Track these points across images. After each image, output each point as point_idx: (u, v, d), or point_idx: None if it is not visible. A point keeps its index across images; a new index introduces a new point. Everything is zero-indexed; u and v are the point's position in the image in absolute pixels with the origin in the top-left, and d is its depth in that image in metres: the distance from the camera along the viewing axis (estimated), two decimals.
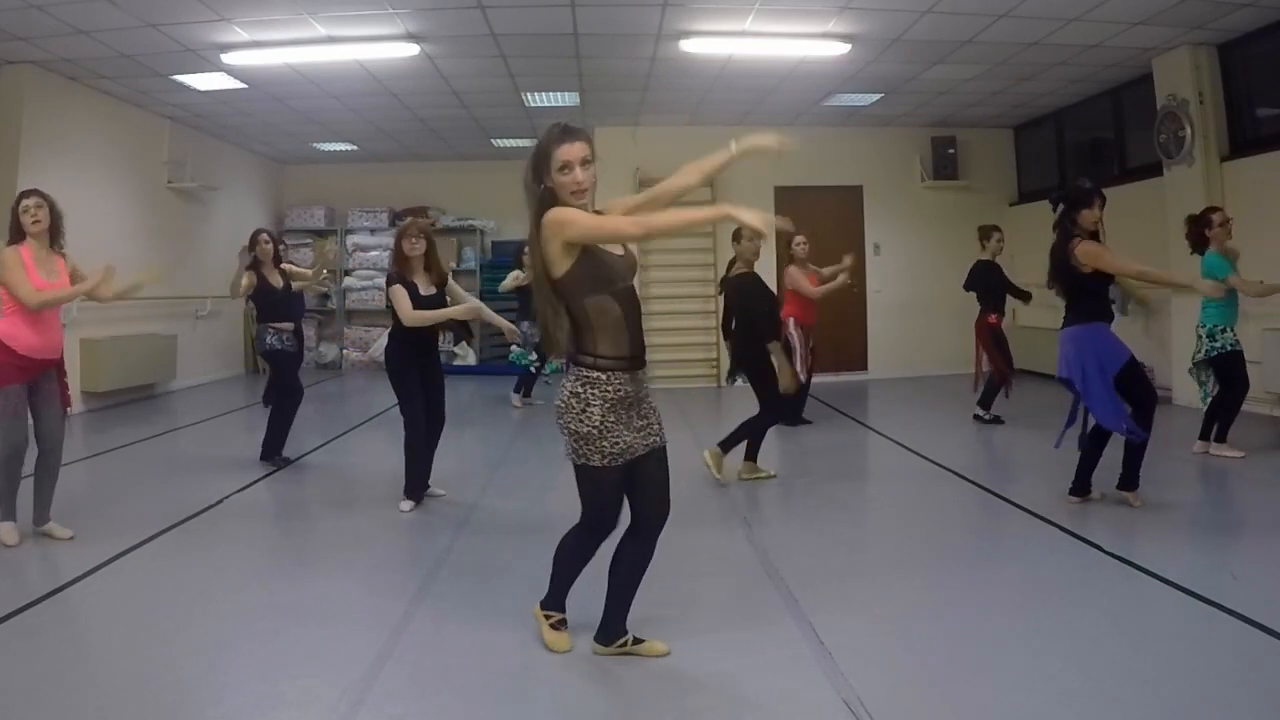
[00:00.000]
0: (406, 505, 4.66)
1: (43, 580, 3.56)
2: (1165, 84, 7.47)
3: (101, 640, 3.04)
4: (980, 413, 7.11)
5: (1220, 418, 5.58)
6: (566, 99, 8.84)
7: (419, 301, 4.57)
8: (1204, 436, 5.63)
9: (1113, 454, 4.49)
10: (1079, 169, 9.04)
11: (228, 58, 7.06)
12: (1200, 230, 5.51)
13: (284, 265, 5.93)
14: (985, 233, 7.20)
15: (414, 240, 4.63)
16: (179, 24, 6.35)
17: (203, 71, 7.51)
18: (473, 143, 10.83)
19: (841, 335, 10.24)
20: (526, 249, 5.53)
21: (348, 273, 12.10)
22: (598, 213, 2.63)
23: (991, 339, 7.05)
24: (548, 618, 2.90)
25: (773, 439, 6.23)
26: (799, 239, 7.10)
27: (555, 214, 2.49)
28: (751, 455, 5.29)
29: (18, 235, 3.98)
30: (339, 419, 7.95)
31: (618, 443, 2.58)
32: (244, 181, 11.35)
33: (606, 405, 2.55)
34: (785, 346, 5.80)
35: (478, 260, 11.97)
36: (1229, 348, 5.40)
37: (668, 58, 7.47)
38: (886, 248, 10.53)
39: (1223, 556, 3.76)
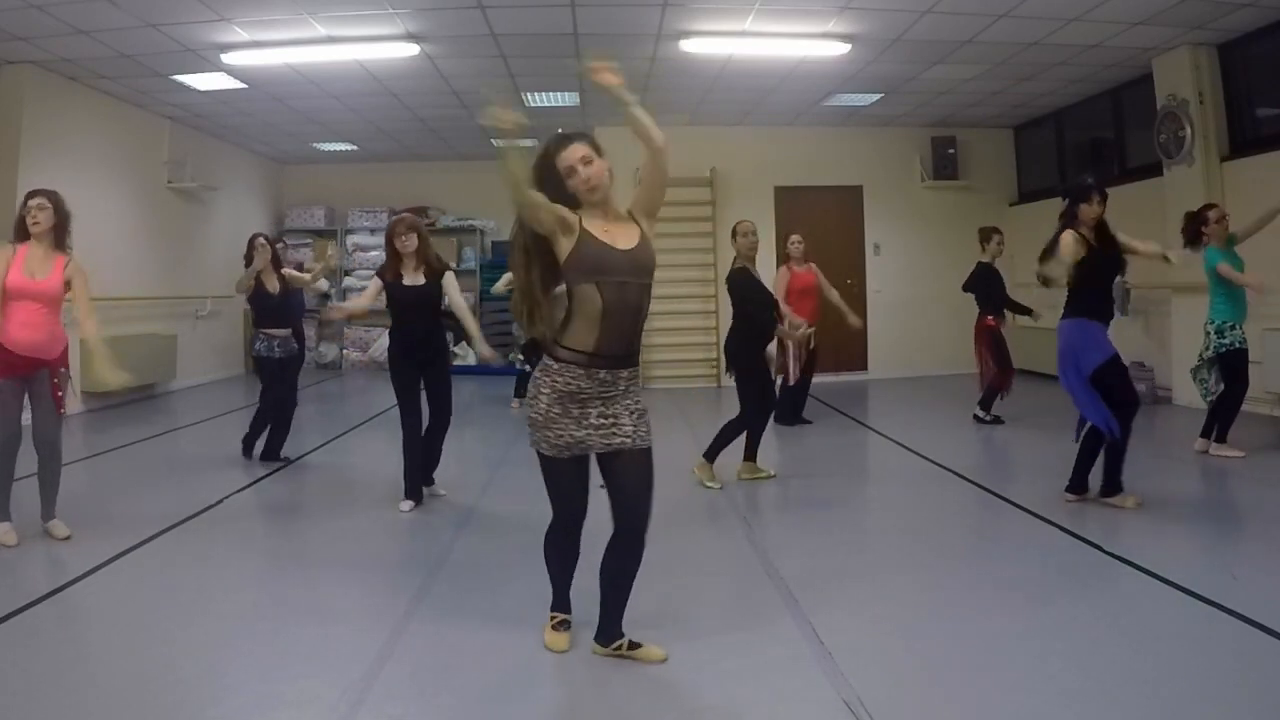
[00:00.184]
0: (406, 505, 4.66)
1: (43, 580, 3.56)
2: (1165, 84, 7.47)
3: (101, 640, 3.04)
4: (980, 413, 7.11)
5: (1220, 417, 5.58)
6: (566, 99, 8.85)
7: (402, 292, 4.58)
8: (1206, 435, 5.62)
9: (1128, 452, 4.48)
10: (1079, 169, 9.04)
11: (228, 58, 7.06)
12: (1197, 227, 5.54)
13: (284, 270, 5.93)
14: (985, 235, 7.19)
15: (404, 237, 4.59)
16: (179, 24, 6.36)
17: (203, 71, 7.51)
18: (473, 143, 10.83)
19: (841, 335, 10.16)
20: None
21: (348, 273, 12.10)
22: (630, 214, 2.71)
23: (989, 340, 7.06)
24: (552, 618, 2.92)
25: (772, 439, 6.24)
26: (794, 238, 7.09)
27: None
28: (750, 455, 5.29)
29: (22, 234, 3.99)
30: (339, 419, 7.95)
31: (563, 435, 2.60)
32: (244, 181, 11.35)
33: (553, 396, 2.59)
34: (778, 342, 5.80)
35: (478, 260, 11.97)
36: (1237, 345, 5.41)
37: (668, 58, 7.47)
38: (886, 248, 10.53)
39: (1223, 556, 3.76)
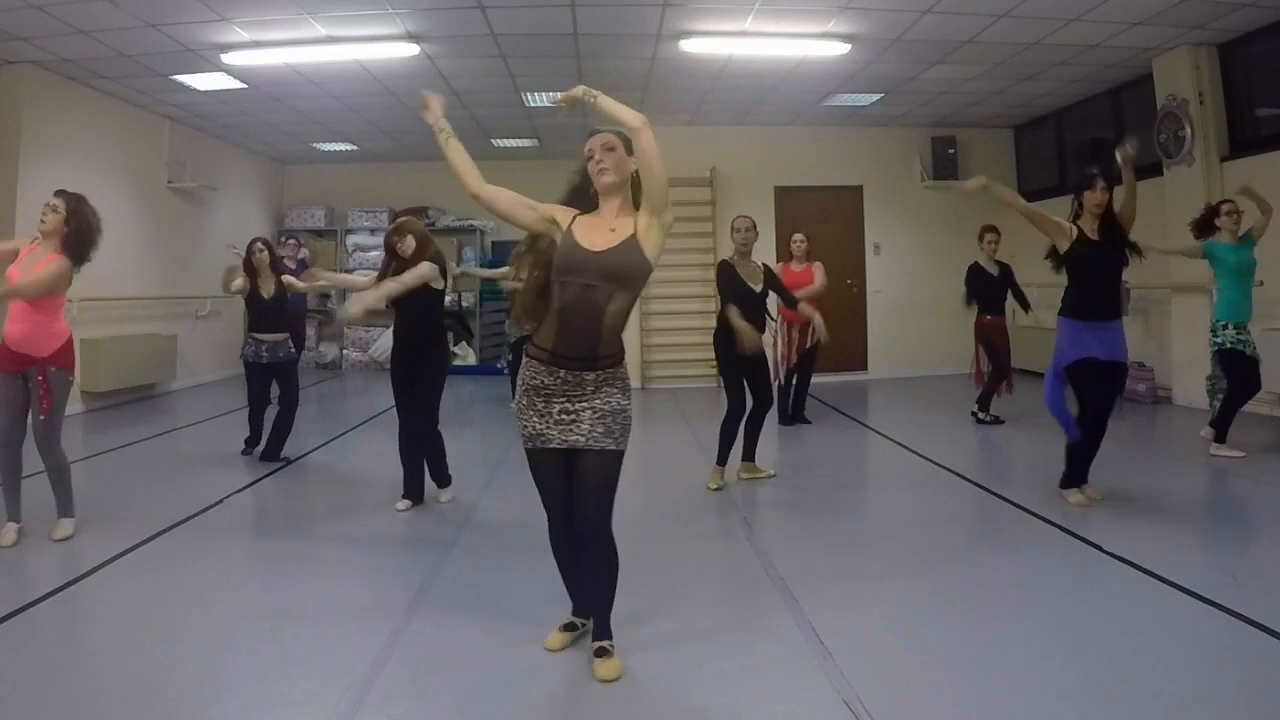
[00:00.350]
0: (402, 505, 4.67)
1: (43, 580, 3.56)
2: (1165, 84, 7.47)
3: (102, 640, 3.04)
4: (978, 413, 7.11)
5: (1221, 416, 5.57)
6: None
7: (433, 295, 4.60)
8: (1212, 424, 5.62)
9: (1112, 449, 4.48)
10: (1079, 169, 9.03)
11: (228, 58, 7.06)
12: (1210, 218, 5.59)
13: (284, 277, 5.94)
14: (980, 233, 7.19)
15: (400, 243, 4.62)
16: (179, 24, 6.35)
17: (203, 71, 7.51)
18: (473, 143, 10.68)
19: (841, 335, 10.22)
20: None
21: (348, 273, 12.09)
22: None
23: (979, 339, 7.08)
24: (565, 617, 2.96)
25: (773, 439, 6.24)
26: (797, 237, 7.08)
27: None
28: (749, 455, 5.29)
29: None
30: (339, 419, 7.95)
31: (527, 426, 2.69)
32: (244, 181, 11.35)
33: (523, 388, 2.71)
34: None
35: (478, 260, 11.95)
36: (1228, 345, 5.41)
37: (668, 58, 7.47)
38: (886, 248, 10.53)
39: (1223, 556, 3.76)
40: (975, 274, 7.08)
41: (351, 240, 12.13)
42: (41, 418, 3.99)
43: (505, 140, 10.86)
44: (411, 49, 7.04)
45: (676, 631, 2.99)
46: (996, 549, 3.99)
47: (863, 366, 10.54)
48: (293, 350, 5.97)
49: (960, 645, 2.87)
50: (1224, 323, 5.43)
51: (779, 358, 6.88)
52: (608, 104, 2.60)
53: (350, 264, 12.07)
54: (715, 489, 5.02)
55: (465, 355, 11.78)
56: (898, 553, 3.95)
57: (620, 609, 2.86)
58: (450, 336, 11.63)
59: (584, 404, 2.63)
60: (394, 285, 4.34)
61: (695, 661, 2.77)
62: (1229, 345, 5.42)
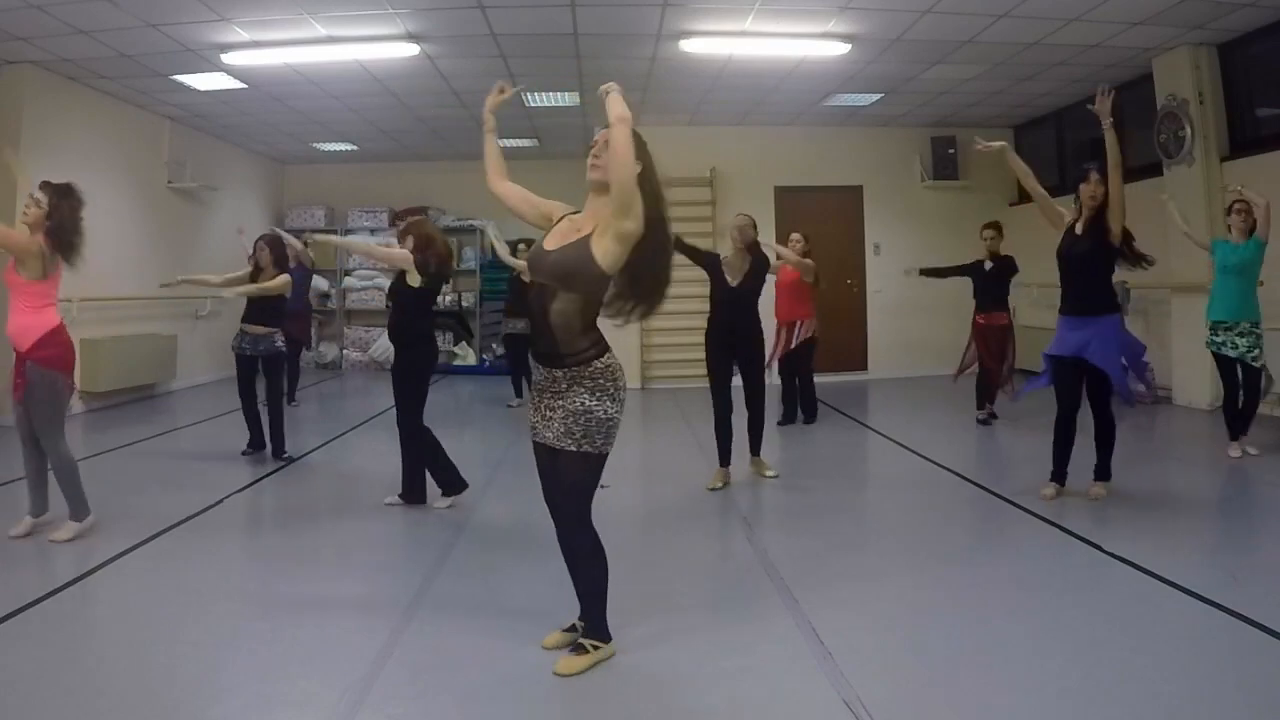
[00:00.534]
0: (389, 499, 4.77)
1: (43, 579, 3.55)
2: (1165, 84, 7.47)
3: (101, 640, 3.04)
4: (978, 413, 7.11)
5: (1226, 415, 5.55)
6: (566, 99, 8.84)
7: (407, 292, 4.65)
8: (1235, 437, 5.50)
9: (1123, 449, 4.50)
10: (1079, 169, 9.03)
11: (228, 58, 7.06)
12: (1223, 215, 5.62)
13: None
14: (980, 231, 7.18)
15: (401, 241, 4.73)
16: (179, 24, 6.35)
17: (203, 71, 7.50)
18: (473, 143, 10.70)
19: (841, 335, 10.24)
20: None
21: (348, 273, 12.11)
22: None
23: (977, 337, 7.08)
24: None
25: (773, 439, 6.23)
26: (794, 236, 7.09)
27: None
28: (755, 450, 5.29)
29: None
30: (339, 419, 7.96)
31: (530, 418, 2.77)
32: (244, 181, 11.34)
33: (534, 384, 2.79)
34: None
35: (478, 260, 11.97)
36: (1210, 347, 5.40)
37: (668, 58, 7.46)
38: (886, 248, 10.52)
39: (1223, 556, 3.76)
40: (972, 269, 7.08)
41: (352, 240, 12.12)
42: (16, 400, 4.03)
43: (505, 140, 10.83)
44: (411, 49, 7.03)
45: (676, 631, 2.99)
46: (997, 549, 3.99)
47: (863, 366, 10.54)
48: (278, 345, 5.90)
49: (960, 645, 2.87)
50: (1211, 322, 5.42)
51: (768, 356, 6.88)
52: (611, 100, 2.58)
53: (350, 264, 12.08)
54: (713, 488, 5.03)
55: (465, 355, 11.78)
56: (898, 552, 3.96)
57: (619, 608, 2.86)
58: (450, 337, 11.67)
59: (559, 402, 2.65)
60: (362, 246, 4.87)
61: (695, 661, 2.77)
62: (1210, 348, 5.40)
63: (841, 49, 7.20)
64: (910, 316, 10.37)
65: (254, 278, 5.87)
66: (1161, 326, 8.00)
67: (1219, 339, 5.39)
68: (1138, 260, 4.42)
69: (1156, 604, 3.17)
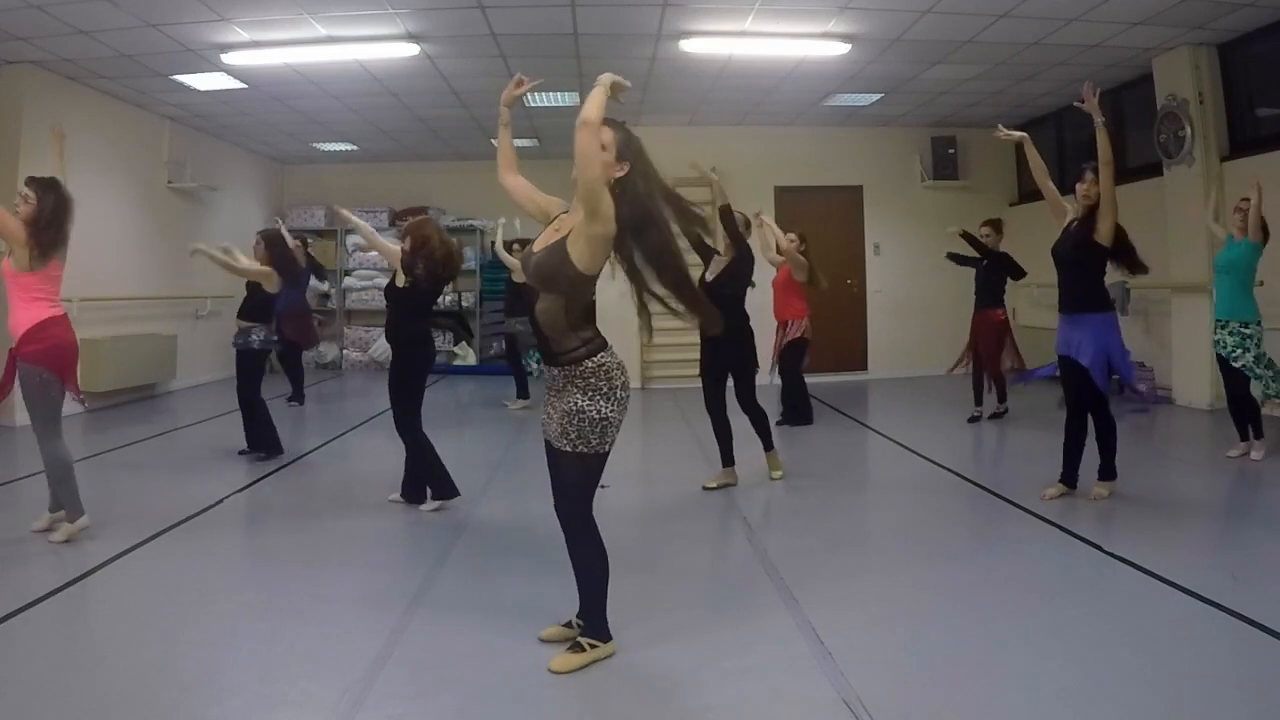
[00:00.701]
0: (391, 496, 4.78)
1: (43, 580, 3.55)
2: (1165, 84, 7.46)
3: (101, 640, 3.04)
4: (975, 412, 7.12)
5: (1232, 416, 5.54)
6: (566, 99, 8.84)
7: (396, 293, 4.67)
8: (1243, 438, 5.46)
9: (1123, 449, 4.50)
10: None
11: (228, 58, 7.06)
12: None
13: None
14: (978, 228, 7.17)
15: (403, 241, 4.73)
16: (179, 24, 6.35)
17: (203, 71, 7.50)
18: (473, 143, 10.81)
19: (841, 335, 10.24)
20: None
21: (348, 273, 12.11)
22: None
23: (972, 332, 7.08)
24: None
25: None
26: (790, 236, 7.09)
27: None
28: (767, 445, 5.28)
29: None
30: (339, 419, 7.96)
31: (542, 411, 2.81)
32: (244, 181, 11.34)
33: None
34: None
35: (478, 260, 11.96)
36: (1214, 347, 5.40)
37: (668, 58, 7.46)
38: (886, 248, 10.52)
39: (1223, 556, 3.76)
40: (976, 260, 7.09)
41: (351, 240, 12.12)
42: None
43: None
44: (411, 49, 7.04)
45: (676, 631, 2.99)
46: (997, 549, 3.99)
47: (863, 366, 10.54)
48: (252, 341, 5.80)
49: (960, 645, 2.87)
50: (1213, 324, 5.43)
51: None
52: (590, 97, 2.52)
53: (350, 264, 12.08)
54: (709, 488, 5.02)
55: (465, 355, 11.78)
56: (898, 552, 3.96)
57: (619, 608, 2.86)
58: (450, 337, 11.67)
59: (558, 400, 2.69)
60: (367, 229, 5.32)
61: (695, 661, 2.77)
62: (1216, 349, 5.41)
63: (841, 49, 7.20)
64: (910, 316, 10.37)
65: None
66: (1161, 326, 8.00)
67: (1215, 336, 5.43)
68: (1133, 266, 4.42)
69: (1157, 604, 3.17)
